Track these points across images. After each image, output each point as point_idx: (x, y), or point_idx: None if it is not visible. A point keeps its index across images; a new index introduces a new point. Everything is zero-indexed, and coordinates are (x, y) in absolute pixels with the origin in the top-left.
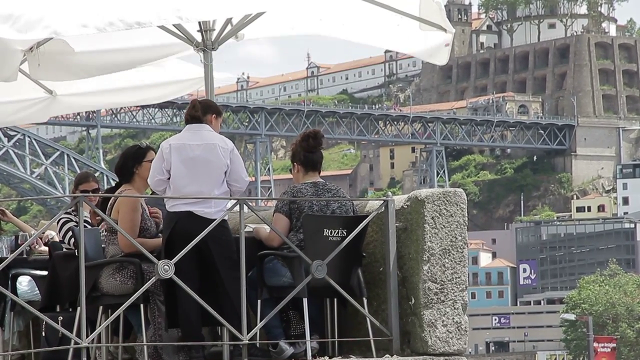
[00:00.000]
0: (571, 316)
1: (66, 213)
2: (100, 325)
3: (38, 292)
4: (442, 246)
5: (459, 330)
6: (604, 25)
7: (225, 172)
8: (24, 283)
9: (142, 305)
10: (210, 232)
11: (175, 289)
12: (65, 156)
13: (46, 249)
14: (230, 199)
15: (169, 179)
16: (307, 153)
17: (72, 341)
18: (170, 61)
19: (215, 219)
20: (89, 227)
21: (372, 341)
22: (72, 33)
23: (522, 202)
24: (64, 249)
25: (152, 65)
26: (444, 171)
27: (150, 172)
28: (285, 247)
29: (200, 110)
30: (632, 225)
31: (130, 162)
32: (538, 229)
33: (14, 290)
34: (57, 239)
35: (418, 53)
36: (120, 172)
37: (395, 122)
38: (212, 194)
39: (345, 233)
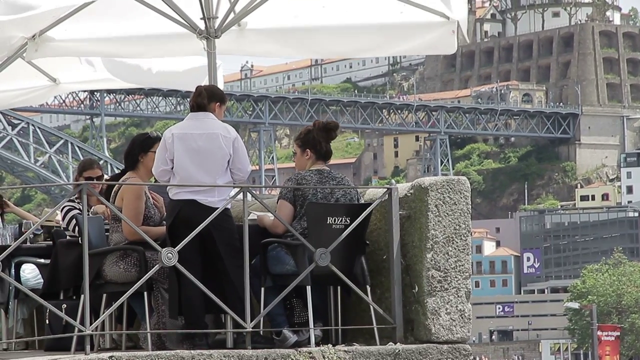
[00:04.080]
0: (575, 305)
1: (70, 201)
2: (104, 313)
3: (42, 280)
4: (445, 234)
5: (462, 318)
6: (608, 13)
7: (228, 161)
8: (28, 271)
9: (145, 293)
10: (214, 220)
11: (179, 277)
12: (69, 144)
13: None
14: (234, 187)
15: (172, 168)
16: (327, 144)
17: (76, 329)
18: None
19: (218, 208)
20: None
21: (375, 329)
22: (69, 4)
23: (526, 190)
24: (68, 237)
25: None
26: (448, 160)
27: (154, 162)
28: (289, 235)
29: (205, 98)
30: (636, 214)
31: (137, 149)
32: (542, 217)
33: (18, 278)
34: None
35: (422, 49)
36: (126, 159)
37: (399, 111)
38: (215, 183)
39: (348, 221)
